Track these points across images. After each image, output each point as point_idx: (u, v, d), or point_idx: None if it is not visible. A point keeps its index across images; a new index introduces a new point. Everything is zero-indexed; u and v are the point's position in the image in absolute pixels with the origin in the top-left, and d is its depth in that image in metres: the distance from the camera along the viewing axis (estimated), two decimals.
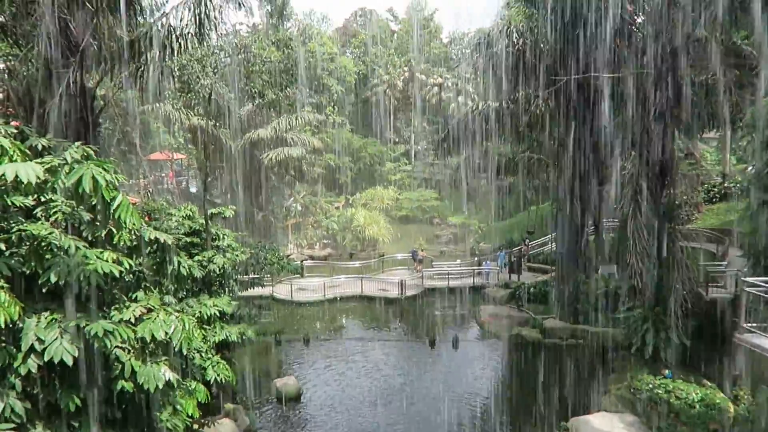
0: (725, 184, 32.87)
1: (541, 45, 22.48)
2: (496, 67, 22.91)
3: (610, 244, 25.24)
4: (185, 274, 10.61)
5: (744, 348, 13.37)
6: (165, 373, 8.30)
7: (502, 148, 31.55)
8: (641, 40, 18.80)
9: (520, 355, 24.00)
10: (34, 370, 7.08)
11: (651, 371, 17.25)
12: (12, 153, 7.27)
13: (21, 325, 7.18)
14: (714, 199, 32.52)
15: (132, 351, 8.26)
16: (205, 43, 21.49)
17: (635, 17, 20.07)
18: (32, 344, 7.04)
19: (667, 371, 16.98)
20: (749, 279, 13.92)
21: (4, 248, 7.51)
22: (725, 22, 16.12)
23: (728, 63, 18.70)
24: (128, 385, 8.17)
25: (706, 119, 22.86)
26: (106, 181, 7.19)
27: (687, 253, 18.76)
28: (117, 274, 7.67)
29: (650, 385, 16.07)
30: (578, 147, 23.17)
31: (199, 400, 11.19)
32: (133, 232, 8.97)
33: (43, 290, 7.68)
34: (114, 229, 8.50)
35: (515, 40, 22.54)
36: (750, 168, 17.77)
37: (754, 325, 12.95)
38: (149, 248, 9.75)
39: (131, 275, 9.39)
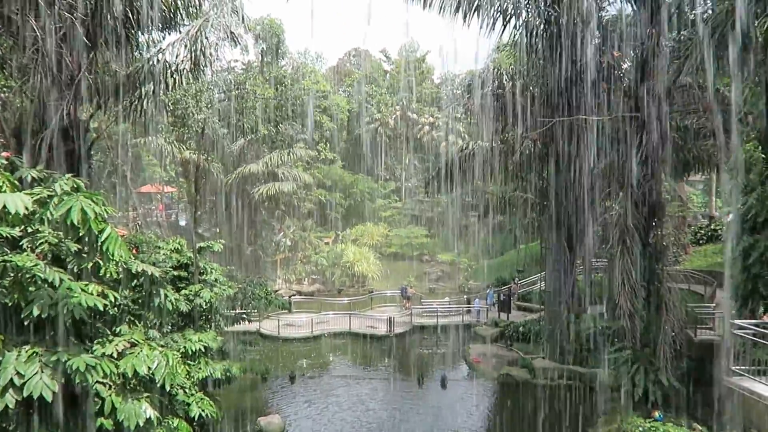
0: (712, 226, 33.26)
1: (530, 87, 22.98)
2: (486, 107, 23.37)
3: (599, 285, 25.30)
4: (171, 308, 10.47)
5: (733, 391, 13.29)
6: (146, 410, 8.11)
7: (492, 187, 31.85)
8: (628, 84, 19.25)
9: (509, 395, 23.70)
10: (11, 406, 6.89)
11: (641, 413, 17.06)
12: (1, 184, 7.25)
13: (0, 358, 7.03)
14: (701, 241, 32.85)
15: (113, 387, 8.08)
16: (199, 79, 21.77)
17: (622, 63, 20.60)
18: (11, 378, 6.87)
19: (657, 413, 16.80)
20: (737, 321, 13.95)
21: None
22: (709, 69, 16.56)
23: (712, 108, 19.17)
24: (107, 423, 7.96)
25: (692, 162, 23.34)
26: (95, 213, 7.16)
27: (675, 294, 18.81)
28: (101, 308, 7.57)
29: (640, 428, 15.86)
30: (567, 187, 23.46)
31: None
32: (119, 265, 8.89)
33: (25, 323, 7.54)
34: (101, 261, 8.43)
35: (505, 82, 23.07)
36: (734, 211, 18.04)
37: (743, 368, 12.92)
38: (135, 281, 9.65)
39: (116, 308, 9.26)
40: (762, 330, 12.89)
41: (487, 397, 24.39)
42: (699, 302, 23.19)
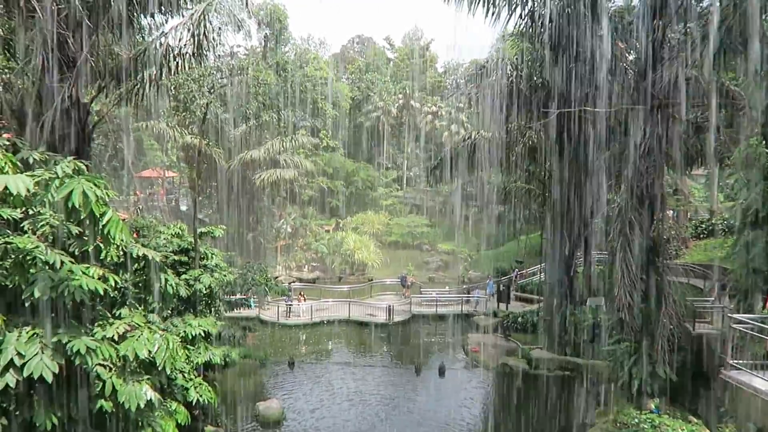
0: (712, 221, 33.19)
1: (534, 78, 22.85)
2: (490, 97, 23.23)
3: (599, 277, 25.31)
4: (171, 292, 10.50)
5: (730, 385, 13.35)
6: (147, 392, 8.16)
7: (494, 178, 31.80)
8: (632, 76, 19.14)
9: (507, 385, 23.81)
10: (12, 386, 6.92)
11: (637, 405, 17.14)
12: (3, 165, 7.23)
13: (1, 338, 7.06)
14: (701, 235, 32.80)
15: (113, 369, 8.12)
16: (202, 64, 21.65)
17: (627, 54, 20.46)
18: (12, 359, 6.90)
19: (653, 405, 16.88)
20: (735, 315, 13.97)
21: None
22: (714, 63, 16.44)
23: (716, 102, 19.06)
24: (107, 405, 8.00)
25: (695, 156, 23.25)
26: (97, 196, 7.16)
27: (674, 287, 18.82)
28: (102, 291, 7.58)
29: (636, 420, 15.94)
30: (568, 179, 23.41)
31: (179, 421, 10.96)
32: (120, 248, 8.90)
33: (26, 304, 7.56)
34: (102, 245, 8.43)
35: (509, 73, 22.93)
36: (736, 205, 18.01)
37: (741, 362, 12.96)
38: (136, 265, 9.66)
39: (116, 291, 9.28)
40: (760, 324, 12.92)
41: (485, 386, 24.52)
42: (698, 296, 23.21)
